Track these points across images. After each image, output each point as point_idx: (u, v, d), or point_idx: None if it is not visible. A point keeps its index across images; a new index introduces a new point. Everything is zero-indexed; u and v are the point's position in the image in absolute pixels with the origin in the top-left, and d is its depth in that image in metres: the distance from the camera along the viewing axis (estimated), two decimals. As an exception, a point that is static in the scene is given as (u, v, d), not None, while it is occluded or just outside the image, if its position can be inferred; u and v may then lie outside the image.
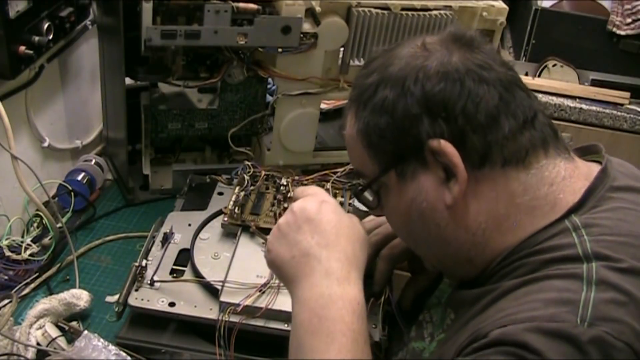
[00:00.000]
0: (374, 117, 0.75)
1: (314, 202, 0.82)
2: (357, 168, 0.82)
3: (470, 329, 0.69)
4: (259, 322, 0.96)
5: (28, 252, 1.19)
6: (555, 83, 1.83)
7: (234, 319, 0.95)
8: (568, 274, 0.65)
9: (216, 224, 1.14)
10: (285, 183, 1.19)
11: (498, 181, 0.73)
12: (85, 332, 0.98)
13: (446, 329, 0.81)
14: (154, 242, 1.09)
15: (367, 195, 0.82)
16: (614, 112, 1.81)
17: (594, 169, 0.76)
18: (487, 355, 0.62)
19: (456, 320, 0.79)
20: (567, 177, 0.74)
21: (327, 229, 0.80)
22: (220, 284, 0.99)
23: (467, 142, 0.71)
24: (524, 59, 1.86)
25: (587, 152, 0.82)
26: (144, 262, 1.02)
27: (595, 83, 1.87)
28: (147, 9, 1.10)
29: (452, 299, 0.83)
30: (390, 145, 0.75)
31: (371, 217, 0.99)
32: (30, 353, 0.99)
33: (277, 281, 0.99)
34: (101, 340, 0.95)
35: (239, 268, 1.02)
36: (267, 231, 1.08)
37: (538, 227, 0.72)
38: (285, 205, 1.14)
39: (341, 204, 1.17)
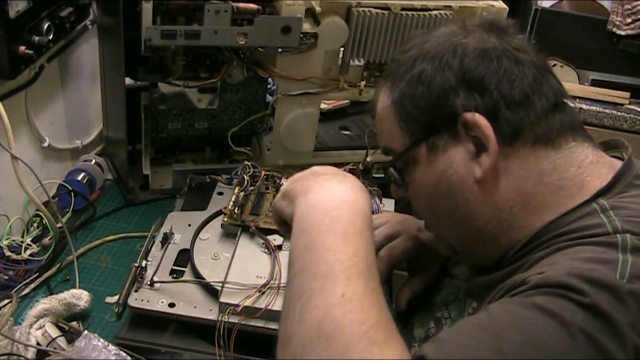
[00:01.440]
0: (410, 88, 0.77)
1: (324, 167, 0.79)
2: (386, 144, 0.83)
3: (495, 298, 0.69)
4: (259, 323, 0.96)
5: (28, 252, 1.19)
6: (556, 83, 1.83)
7: (234, 319, 0.95)
8: (602, 242, 0.65)
9: (216, 224, 1.14)
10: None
11: (528, 159, 0.74)
12: (85, 332, 0.98)
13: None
14: (153, 242, 1.09)
15: (394, 171, 0.82)
16: (614, 112, 1.81)
17: (616, 162, 0.77)
18: (530, 296, 0.61)
19: (479, 307, 0.78)
20: (594, 162, 0.75)
21: (337, 171, 0.78)
22: (220, 284, 0.99)
23: (500, 117, 0.73)
24: (524, 58, 1.86)
25: (608, 147, 0.83)
26: (143, 263, 1.02)
27: (595, 83, 1.87)
28: (147, 9, 1.10)
29: (472, 288, 0.83)
30: (423, 116, 0.76)
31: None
32: (30, 353, 0.99)
33: (277, 281, 0.99)
34: (101, 340, 0.95)
35: (239, 269, 1.02)
36: (267, 231, 1.09)
37: (566, 209, 0.72)
38: (285, 205, 1.14)
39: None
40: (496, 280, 0.73)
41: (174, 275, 1.03)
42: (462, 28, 0.78)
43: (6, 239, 1.20)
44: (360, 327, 0.58)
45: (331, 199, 0.70)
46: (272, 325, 0.96)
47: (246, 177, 1.18)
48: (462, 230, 0.79)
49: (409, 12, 1.25)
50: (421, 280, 1.01)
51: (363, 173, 1.34)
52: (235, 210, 1.12)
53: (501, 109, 0.72)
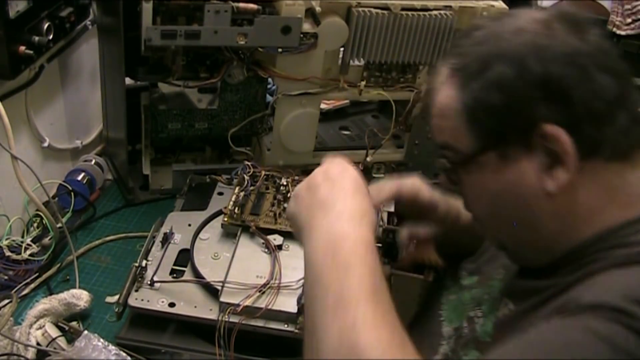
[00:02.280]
0: (485, 94, 0.71)
1: (337, 165, 0.81)
2: (446, 141, 0.77)
3: (543, 313, 0.68)
4: (259, 323, 0.96)
5: (28, 252, 1.19)
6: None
7: (234, 319, 0.95)
8: None
9: (216, 224, 1.14)
10: (285, 183, 1.19)
11: (601, 174, 0.71)
12: (85, 332, 0.98)
13: (503, 318, 0.79)
14: (154, 242, 1.09)
15: (452, 171, 0.78)
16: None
17: None
18: (582, 318, 0.59)
19: (517, 310, 0.76)
20: None
21: (345, 185, 0.79)
22: (220, 284, 0.99)
23: (581, 132, 0.68)
24: (524, 58, 1.86)
25: None
26: (144, 263, 1.02)
27: (595, 83, 1.87)
28: (147, 9, 1.10)
29: (513, 288, 0.81)
30: (497, 125, 0.71)
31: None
32: (30, 353, 0.99)
33: (277, 281, 0.99)
34: (101, 340, 0.95)
35: (239, 268, 1.02)
36: (267, 231, 1.09)
37: (627, 222, 0.70)
38: (285, 205, 1.14)
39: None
40: (541, 288, 0.72)
41: (174, 275, 1.03)
42: (545, 26, 0.71)
43: (6, 239, 1.20)
44: (375, 350, 0.61)
45: (333, 234, 0.73)
46: (272, 325, 0.96)
47: (246, 177, 1.18)
48: (520, 236, 0.76)
49: (409, 12, 1.25)
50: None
51: (363, 173, 1.34)
52: (235, 210, 1.12)
53: (583, 122, 0.68)
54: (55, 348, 1.00)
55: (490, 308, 0.83)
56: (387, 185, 0.95)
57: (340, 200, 0.76)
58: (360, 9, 1.23)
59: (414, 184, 0.97)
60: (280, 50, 1.22)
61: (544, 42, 0.70)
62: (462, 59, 0.74)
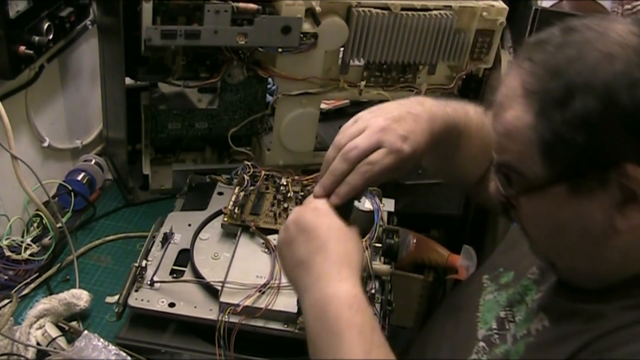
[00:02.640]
0: (568, 130, 0.65)
1: (306, 212, 0.84)
2: (508, 161, 0.72)
3: (585, 347, 0.67)
4: (259, 323, 0.96)
5: (28, 252, 1.19)
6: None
7: (234, 319, 0.95)
8: None
9: (216, 224, 1.14)
10: (285, 183, 1.19)
11: None
12: (85, 332, 0.98)
13: (536, 335, 0.77)
14: (154, 242, 1.09)
15: (513, 194, 0.73)
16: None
17: None
18: None
19: (553, 329, 0.75)
20: None
21: (318, 234, 0.81)
22: (220, 284, 0.99)
23: None
24: (524, 58, 1.86)
25: None
26: (143, 263, 1.02)
27: (595, 83, 1.87)
28: (147, 9, 1.10)
29: (551, 306, 0.79)
30: (574, 161, 0.66)
31: (345, 131, 0.90)
32: (30, 353, 0.99)
33: (277, 281, 0.99)
34: (101, 340, 0.95)
35: (239, 268, 1.02)
36: (267, 231, 1.09)
37: None
38: (285, 205, 1.14)
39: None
40: (577, 311, 0.72)
41: (174, 275, 1.03)
42: (637, 54, 0.64)
43: (6, 239, 1.20)
44: None
45: (317, 300, 0.77)
46: (272, 325, 0.96)
47: (246, 177, 1.18)
48: (576, 263, 0.74)
49: (409, 12, 1.25)
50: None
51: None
52: (235, 210, 1.12)
53: None
54: (55, 348, 1.00)
55: (525, 317, 0.81)
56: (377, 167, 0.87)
57: (317, 255, 0.80)
58: (360, 9, 1.23)
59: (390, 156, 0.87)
60: (280, 50, 1.22)
61: (636, 75, 0.63)
62: (541, 81, 0.67)
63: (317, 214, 0.83)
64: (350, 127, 0.89)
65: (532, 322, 0.79)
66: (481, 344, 0.85)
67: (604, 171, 0.65)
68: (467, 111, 0.97)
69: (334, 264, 0.79)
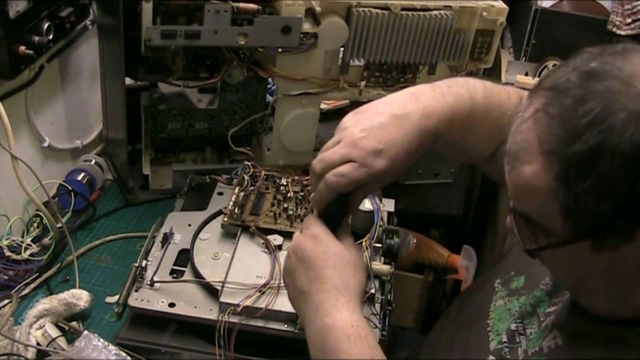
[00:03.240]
0: (592, 199, 0.61)
1: (304, 240, 0.85)
2: (529, 214, 0.68)
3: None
4: (259, 323, 0.96)
5: (28, 252, 1.19)
6: (556, 83, 1.81)
7: (234, 319, 0.95)
8: None
9: (216, 224, 1.14)
10: (285, 183, 1.19)
11: None
12: (85, 332, 0.98)
13: (548, 353, 0.76)
14: (154, 242, 1.09)
15: (535, 246, 0.70)
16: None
17: None
18: None
19: (565, 348, 0.75)
20: None
21: (315, 263, 0.83)
22: (220, 284, 0.99)
23: None
24: (524, 59, 1.86)
25: None
26: (143, 263, 1.02)
27: (595, 83, 1.86)
28: (147, 9, 1.10)
29: (564, 324, 0.77)
30: (598, 224, 0.62)
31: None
32: (30, 353, 0.99)
33: (277, 281, 0.99)
34: (101, 340, 0.95)
35: (239, 268, 1.02)
36: (267, 231, 1.09)
37: None
38: (285, 205, 1.14)
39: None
40: (594, 332, 0.71)
41: (174, 275, 1.03)
42: None
43: (6, 239, 1.20)
44: None
45: (317, 332, 0.80)
46: (272, 325, 0.96)
47: (246, 177, 1.18)
48: (601, 303, 0.72)
49: (409, 12, 1.25)
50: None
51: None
52: (235, 210, 1.12)
53: None
54: (55, 348, 1.00)
55: (537, 333, 0.81)
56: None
57: (315, 284, 0.82)
58: (360, 9, 1.23)
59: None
60: (280, 50, 1.22)
61: None
62: (560, 142, 0.62)
63: (314, 241, 0.85)
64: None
65: (545, 339, 0.78)
66: (491, 357, 0.84)
67: (630, 229, 0.62)
68: (472, 96, 0.89)
69: (331, 293, 0.81)
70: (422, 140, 0.85)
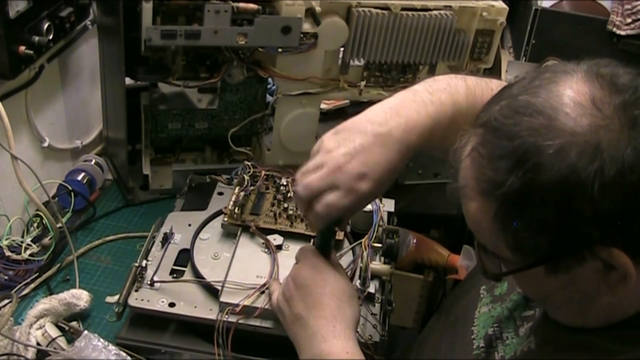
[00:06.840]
0: (529, 235, 0.63)
1: (303, 268, 0.89)
2: (485, 245, 0.71)
3: None
4: (259, 322, 0.96)
5: (28, 252, 1.19)
6: (556, 83, 1.81)
7: (234, 319, 0.95)
8: None
9: (216, 224, 1.14)
10: (285, 183, 1.19)
11: None
12: (85, 332, 0.98)
13: (521, 355, 0.78)
14: (154, 242, 1.09)
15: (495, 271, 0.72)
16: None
17: None
18: None
19: (537, 351, 0.76)
20: None
21: (314, 290, 0.86)
22: (220, 284, 0.99)
23: (638, 243, 0.62)
24: (524, 59, 1.86)
25: None
26: (144, 263, 1.02)
27: (595, 83, 1.86)
28: (147, 9, 1.10)
29: (541, 329, 0.78)
30: (544, 254, 0.64)
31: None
32: (30, 353, 0.99)
33: (277, 281, 0.99)
34: (101, 340, 0.95)
35: (239, 268, 1.02)
36: (267, 231, 1.09)
37: None
38: (285, 205, 1.14)
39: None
40: (563, 337, 0.73)
41: (174, 275, 1.03)
42: (590, 131, 0.59)
43: (6, 239, 1.20)
44: None
45: (312, 357, 0.82)
46: (272, 325, 0.96)
47: (246, 177, 1.18)
48: (565, 315, 0.73)
49: (409, 12, 1.25)
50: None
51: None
52: (236, 210, 1.12)
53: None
54: (55, 348, 1.00)
55: (514, 336, 0.81)
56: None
57: (312, 311, 0.84)
58: (360, 9, 1.23)
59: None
60: (280, 50, 1.22)
61: (589, 169, 0.58)
62: (493, 183, 0.64)
63: (313, 270, 0.88)
64: (313, 154, 0.85)
65: (521, 345, 0.79)
66: None
67: (580, 253, 0.63)
68: (455, 99, 0.87)
69: (328, 320, 0.83)
70: (405, 156, 0.84)
